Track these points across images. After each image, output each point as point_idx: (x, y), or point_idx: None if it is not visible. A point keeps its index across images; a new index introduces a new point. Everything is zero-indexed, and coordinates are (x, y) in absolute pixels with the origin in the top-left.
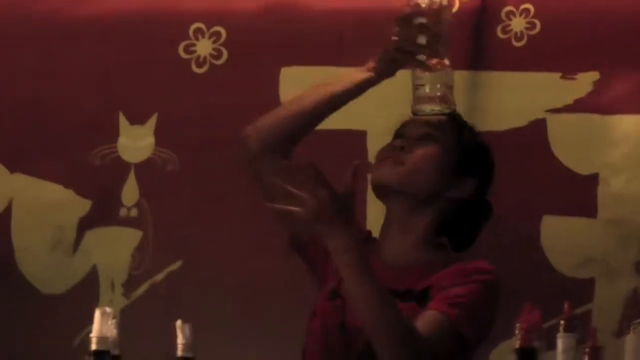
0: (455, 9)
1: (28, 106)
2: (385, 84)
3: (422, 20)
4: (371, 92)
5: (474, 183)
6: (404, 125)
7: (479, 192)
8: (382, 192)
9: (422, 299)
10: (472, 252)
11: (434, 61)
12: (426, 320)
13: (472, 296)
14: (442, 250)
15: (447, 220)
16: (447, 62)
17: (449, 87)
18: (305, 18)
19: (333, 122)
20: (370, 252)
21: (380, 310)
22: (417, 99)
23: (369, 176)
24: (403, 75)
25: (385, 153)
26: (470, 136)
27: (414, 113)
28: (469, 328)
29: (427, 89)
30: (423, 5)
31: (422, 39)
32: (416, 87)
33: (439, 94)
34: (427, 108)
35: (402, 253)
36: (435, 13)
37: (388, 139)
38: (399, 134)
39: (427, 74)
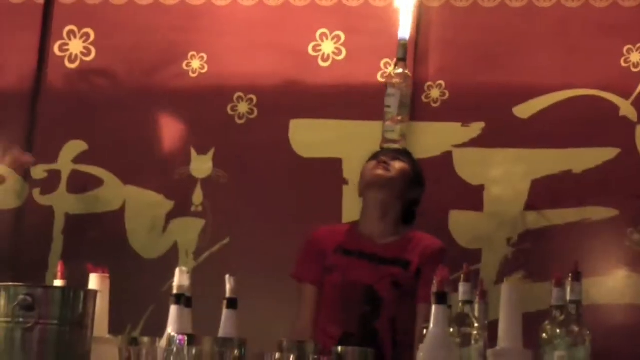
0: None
1: (136, 142)
2: (356, 127)
3: (394, 92)
4: (345, 130)
5: (421, 190)
6: (377, 153)
7: (421, 195)
8: (375, 185)
9: (406, 266)
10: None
11: (399, 118)
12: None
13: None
14: (405, 228)
15: (407, 210)
16: (405, 119)
17: (404, 135)
18: (307, 89)
19: (315, 151)
20: (353, 231)
21: None
22: (385, 140)
23: (349, 179)
24: (367, 124)
25: (373, 164)
26: (416, 161)
27: (382, 148)
28: None
29: (391, 134)
30: (396, 82)
31: (392, 104)
32: (385, 131)
33: (398, 138)
34: (391, 146)
35: (383, 232)
36: (403, 88)
37: (359, 164)
38: (375, 156)
39: (393, 125)
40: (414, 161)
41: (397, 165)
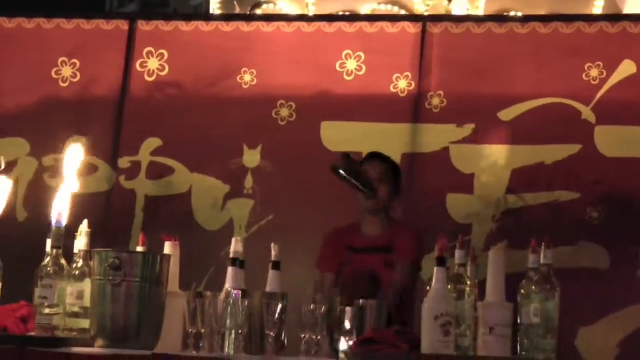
0: (404, 94)
1: (200, 139)
2: (373, 127)
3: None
4: (364, 130)
5: (399, 185)
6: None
7: (400, 188)
8: (368, 212)
9: (391, 250)
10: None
11: None
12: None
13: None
14: (389, 221)
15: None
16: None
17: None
18: (335, 98)
19: (340, 146)
20: (357, 232)
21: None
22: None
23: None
24: (382, 125)
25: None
26: (393, 162)
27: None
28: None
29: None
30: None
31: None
32: None
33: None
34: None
35: (376, 229)
36: None
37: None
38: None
39: None
40: (391, 163)
41: (382, 187)
